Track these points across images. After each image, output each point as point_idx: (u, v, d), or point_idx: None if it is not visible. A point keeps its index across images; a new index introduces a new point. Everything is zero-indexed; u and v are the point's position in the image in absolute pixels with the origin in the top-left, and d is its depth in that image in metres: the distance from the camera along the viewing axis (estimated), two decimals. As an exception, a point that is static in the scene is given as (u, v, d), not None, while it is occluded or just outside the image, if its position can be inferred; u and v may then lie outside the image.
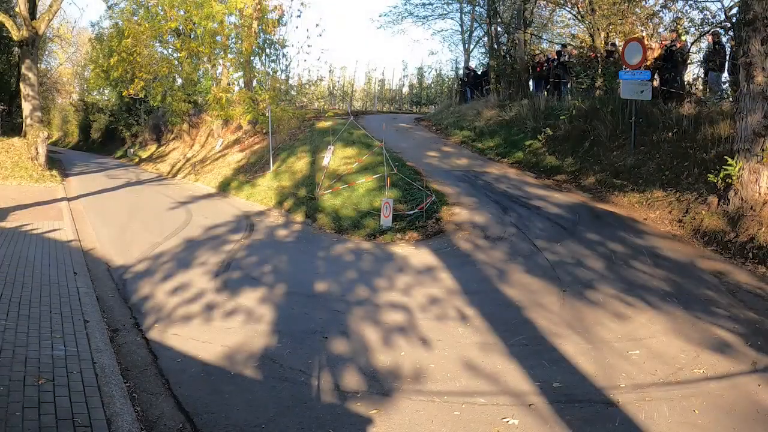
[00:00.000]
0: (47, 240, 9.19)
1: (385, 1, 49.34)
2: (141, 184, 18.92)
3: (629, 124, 11.77)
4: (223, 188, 16.47)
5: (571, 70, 15.59)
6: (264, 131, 18.72)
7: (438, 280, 7.42)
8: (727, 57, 11.86)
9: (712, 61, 12.20)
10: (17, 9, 18.36)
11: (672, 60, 12.75)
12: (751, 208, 8.07)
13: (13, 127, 23.52)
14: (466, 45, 26.72)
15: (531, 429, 4.07)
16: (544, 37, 24.39)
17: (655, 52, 12.87)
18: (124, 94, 23.00)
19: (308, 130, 18.29)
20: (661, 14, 16.25)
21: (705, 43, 12.73)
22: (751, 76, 8.11)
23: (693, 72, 12.90)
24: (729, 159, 8.37)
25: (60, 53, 37.00)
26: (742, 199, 8.24)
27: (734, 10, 11.89)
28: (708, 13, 14.02)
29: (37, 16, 18.85)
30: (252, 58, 20.22)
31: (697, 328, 5.63)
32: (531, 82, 18.86)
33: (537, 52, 20.83)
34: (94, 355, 4.79)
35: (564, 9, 21.03)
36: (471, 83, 22.02)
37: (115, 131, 34.65)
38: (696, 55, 12.47)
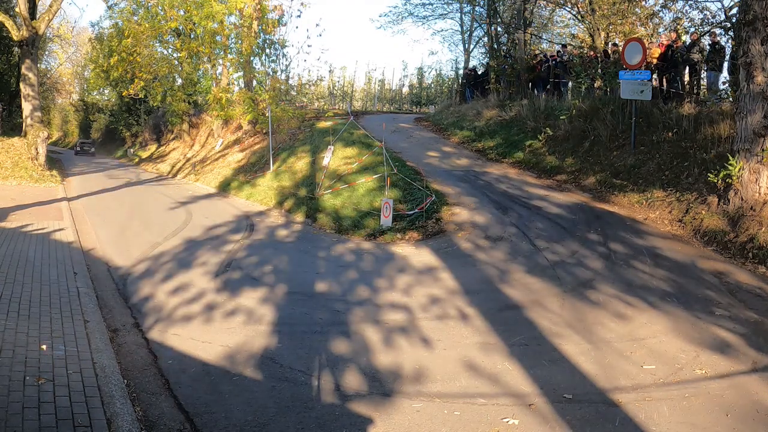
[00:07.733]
0: (47, 240, 9.18)
1: (385, 1, 49.40)
2: (141, 184, 18.92)
3: (629, 124, 11.78)
4: (223, 188, 16.47)
5: (571, 70, 15.59)
6: (264, 131, 18.72)
7: (438, 280, 7.42)
8: (727, 57, 11.86)
9: (712, 61, 12.20)
10: (17, 9, 18.37)
11: (672, 60, 12.75)
12: (751, 208, 8.07)
13: (13, 127, 23.54)
14: (466, 45, 26.73)
15: (531, 429, 4.07)
16: (544, 37, 24.45)
17: (654, 54, 12.88)
18: (124, 94, 23.06)
19: (308, 130, 18.29)
20: (661, 14, 16.29)
21: (707, 43, 12.73)
22: (751, 76, 8.11)
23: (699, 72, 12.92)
24: (729, 159, 8.37)
25: (60, 53, 37.04)
26: (742, 199, 8.24)
27: (734, 10, 11.91)
28: (708, 13, 14.07)
29: (37, 16, 18.85)
30: (252, 58, 20.25)
31: (697, 328, 5.63)
32: (531, 82, 18.85)
33: (537, 52, 20.83)
34: (94, 355, 4.79)
35: (564, 9, 21.09)
36: (471, 83, 22.01)
37: (115, 131, 34.71)
38: (697, 55, 12.45)
